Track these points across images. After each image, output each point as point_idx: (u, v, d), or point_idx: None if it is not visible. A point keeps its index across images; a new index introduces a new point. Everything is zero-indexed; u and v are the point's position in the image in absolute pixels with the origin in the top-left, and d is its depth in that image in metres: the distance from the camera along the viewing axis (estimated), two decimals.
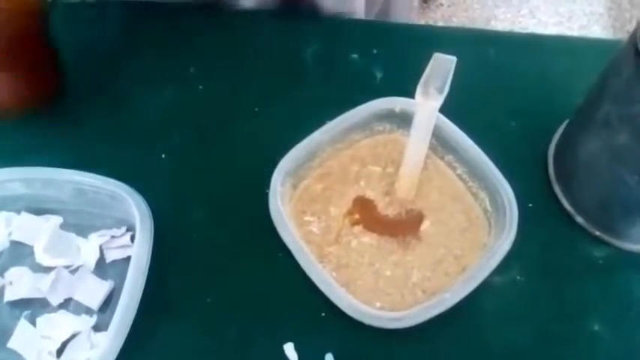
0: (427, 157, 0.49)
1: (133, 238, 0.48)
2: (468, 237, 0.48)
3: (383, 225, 0.49)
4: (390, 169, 0.51)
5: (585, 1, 1.75)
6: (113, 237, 0.48)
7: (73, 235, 0.48)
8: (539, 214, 0.50)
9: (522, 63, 0.60)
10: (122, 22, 0.62)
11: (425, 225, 0.49)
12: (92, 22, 0.61)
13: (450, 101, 0.44)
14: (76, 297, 0.46)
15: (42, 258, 0.47)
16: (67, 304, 0.46)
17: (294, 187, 0.50)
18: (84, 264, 0.48)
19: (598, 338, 0.46)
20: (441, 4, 1.76)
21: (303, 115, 0.50)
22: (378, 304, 0.45)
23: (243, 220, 0.50)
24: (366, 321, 0.43)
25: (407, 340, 0.44)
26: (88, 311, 0.46)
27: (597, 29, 1.70)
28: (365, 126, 0.51)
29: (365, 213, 0.49)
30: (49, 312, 0.46)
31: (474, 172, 0.49)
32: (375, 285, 0.46)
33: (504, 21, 1.73)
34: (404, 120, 0.51)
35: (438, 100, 0.44)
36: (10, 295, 0.46)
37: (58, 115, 0.55)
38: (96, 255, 0.48)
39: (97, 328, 0.45)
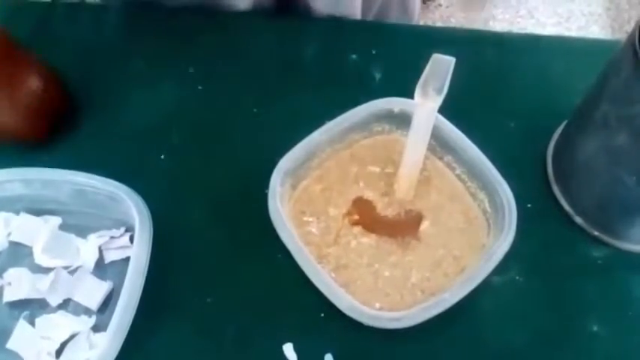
0: (426, 157, 0.49)
1: (132, 239, 0.48)
2: (467, 237, 0.48)
3: (382, 225, 0.49)
4: (389, 170, 0.51)
5: (584, 1, 1.75)
6: (112, 238, 0.48)
7: (72, 236, 0.48)
8: (538, 215, 0.50)
9: (521, 63, 0.60)
10: (122, 22, 0.62)
11: (424, 225, 0.49)
12: (92, 22, 0.61)
13: (449, 102, 0.44)
14: (75, 297, 0.46)
15: (41, 259, 0.47)
16: (66, 304, 0.46)
17: (293, 187, 0.50)
18: (83, 265, 0.48)
19: (597, 338, 0.46)
20: (440, 5, 1.76)
21: (302, 116, 0.50)
22: (377, 305, 0.45)
23: (243, 220, 0.50)
24: (365, 321, 0.43)
25: (406, 340, 0.45)
26: (87, 312, 0.46)
27: (596, 29, 1.70)
28: (364, 126, 0.51)
29: (364, 213, 0.49)
30: (48, 312, 0.46)
31: (473, 173, 0.49)
32: (374, 285, 0.46)
33: (503, 21, 1.73)
34: (403, 120, 0.51)
35: (437, 101, 0.44)
36: (9, 296, 0.46)
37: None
38: (95, 256, 0.48)
39: (96, 328, 0.45)
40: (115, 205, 0.47)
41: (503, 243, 0.45)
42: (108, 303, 0.46)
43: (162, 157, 0.53)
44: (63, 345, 0.44)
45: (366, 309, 0.43)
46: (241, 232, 0.50)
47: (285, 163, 0.47)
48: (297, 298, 0.46)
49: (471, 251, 0.48)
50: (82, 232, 0.49)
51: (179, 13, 0.62)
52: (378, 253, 0.48)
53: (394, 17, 0.73)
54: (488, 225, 0.49)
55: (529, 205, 0.50)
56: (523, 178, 0.50)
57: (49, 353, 0.44)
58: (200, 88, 0.57)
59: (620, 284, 0.48)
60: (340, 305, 0.43)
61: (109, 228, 0.49)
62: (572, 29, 1.70)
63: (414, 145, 0.47)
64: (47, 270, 0.47)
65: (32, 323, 0.45)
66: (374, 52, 0.59)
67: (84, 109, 0.56)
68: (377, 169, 0.51)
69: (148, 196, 0.47)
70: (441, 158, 0.51)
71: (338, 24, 0.63)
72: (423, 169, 0.50)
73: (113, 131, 0.55)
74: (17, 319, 0.45)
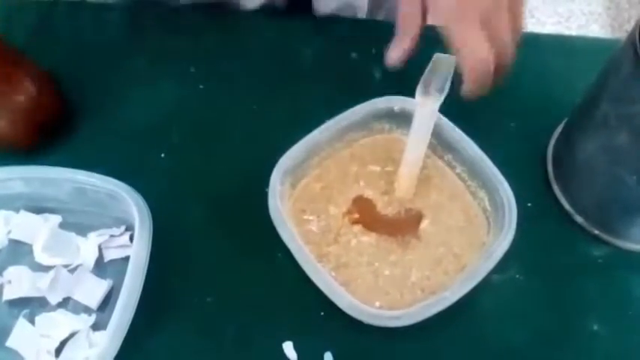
0: (426, 156, 0.49)
1: (132, 238, 0.48)
2: (467, 236, 0.48)
3: (382, 224, 0.49)
4: (389, 169, 0.51)
5: (584, 0, 1.75)
6: (112, 236, 0.48)
7: (72, 234, 0.48)
8: (538, 214, 0.50)
9: (521, 62, 0.59)
10: (123, 20, 0.62)
11: (424, 224, 0.49)
12: (93, 21, 0.61)
13: (450, 101, 0.44)
14: (75, 296, 0.46)
15: (41, 257, 0.47)
16: (65, 303, 0.46)
17: (293, 186, 0.50)
18: (83, 263, 0.48)
19: (597, 337, 0.46)
20: None
21: (302, 114, 0.50)
22: (377, 304, 0.45)
23: (242, 219, 0.50)
24: (366, 320, 0.43)
25: (406, 338, 0.45)
26: (87, 310, 0.46)
27: (596, 28, 1.70)
28: (364, 125, 0.51)
29: (364, 212, 0.49)
30: (48, 311, 0.46)
31: (473, 172, 0.49)
32: (374, 284, 0.46)
33: None
34: (403, 119, 0.51)
35: (438, 100, 0.44)
36: (8, 294, 0.46)
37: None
38: (95, 254, 0.48)
39: (95, 327, 0.45)
40: (115, 204, 0.47)
41: (503, 242, 0.45)
42: (108, 301, 0.46)
43: (163, 155, 0.53)
44: (62, 343, 0.44)
45: (366, 307, 0.43)
46: (241, 231, 0.50)
47: (286, 161, 0.47)
48: (297, 297, 0.46)
49: (471, 250, 0.48)
50: (82, 230, 0.49)
51: (180, 12, 0.62)
52: (378, 251, 0.48)
53: None
54: (489, 224, 0.49)
55: (529, 204, 0.50)
56: (523, 176, 0.49)
57: (48, 352, 0.44)
58: (201, 87, 0.57)
59: (621, 283, 0.48)
60: (340, 304, 0.43)
61: (109, 226, 0.49)
62: (572, 28, 1.70)
63: (415, 144, 0.47)
64: (47, 268, 0.47)
65: (32, 321, 0.45)
66: (374, 50, 0.59)
67: (84, 108, 0.55)
68: (377, 168, 0.51)
69: (148, 194, 0.47)
70: (441, 157, 0.51)
71: (338, 23, 0.63)
72: (424, 167, 0.50)
73: (113, 129, 0.55)
74: (17, 317, 0.45)
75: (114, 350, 0.41)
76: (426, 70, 0.44)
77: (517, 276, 0.48)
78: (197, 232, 0.50)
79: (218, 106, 0.56)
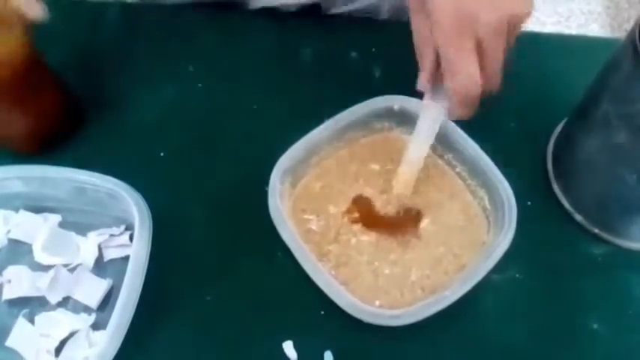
0: (427, 155, 0.49)
1: (131, 237, 0.48)
2: (467, 235, 0.48)
3: (382, 223, 0.49)
4: (388, 167, 0.51)
5: (583, 0, 1.75)
6: (112, 235, 0.48)
7: (71, 234, 0.48)
8: (538, 213, 0.50)
9: (521, 62, 0.59)
10: (122, 20, 0.62)
11: (424, 223, 0.49)
12: (92, 21, 0.61)
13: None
14: (75, 295, 0.46)
15: (40, 256, 0.47)
16: (65, 302, 0.46)
17: (293, 185, 0.50)
18: (83, 262, 0.47)
19: (596, 336, 0.46)
20: None
21: (301, 113, 0.50)
22: (377, 303, 0.45)
23: (243, 218, 0.50)
24: (365, 319, 0.43)
25: (406, 337, 0.45)
26: (87, 310, 0.46)
27: (595, 28, 1.70)
28: (364, 124, 0.51)
29: (364, 211, 0.49)
30: (48, 310, 0.46)
31: (473, 171, 0.49)
32: (374, 283, 0.46)
33: None
34: (403, 118, 0.51)
35: (444, 104, 0.44)
36: (8, 294, 0.46)
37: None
38: (95, 253, 0.48)
39: (95, 326, 0.45)
40: (115, 203, 0.47)
41: (503, 241, 0.45)
42: (107, 301, 0.46)
43: (162, 154, 0.53)
44: (62, 343, 0.44)
45: (366, 306, 0.43)
46: (241, 230, 0.50)
47: (285, 160, 0.47)
48: (297, 296, 0.46)
49: (471, 249, 0.48)
50: (82, 229, 0.49)
51: (179, 11, 0.61)
52: (378, 250, 0.48)
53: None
54: (489, 223, 0.49)
55: (529, 203, 0.50)
56: (523, 176, 0.50)
57: (48, 351, 0.44)
58: (200, 85, 0.57)
59: (620, 282, 0.48)
60: (340, 303, 0.43)
61: (108, 226, 0.49)
62: (572, 27, 1.70)
63: (418, 145, 0.47)
64: (47, 268, 0.47)
65: (32, 321, 0.45)
66: (374, 49, 0.59)
67: (84, 107, 0.55)
68: (377, 167, 0.51)
69: (148, 193, 0.47)
70: (441, 156, 0.51)
71: (338, 22, 0.63)
72: (424, 167, 0.50)
73: (113, 129, 0.55)
74: (17, 316, 0.45)
75: (114, 350, 0.41)
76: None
77: (517, 275, 0.48)
78: (197, 231, 0.50)
79: (218, 105, 0.56)
